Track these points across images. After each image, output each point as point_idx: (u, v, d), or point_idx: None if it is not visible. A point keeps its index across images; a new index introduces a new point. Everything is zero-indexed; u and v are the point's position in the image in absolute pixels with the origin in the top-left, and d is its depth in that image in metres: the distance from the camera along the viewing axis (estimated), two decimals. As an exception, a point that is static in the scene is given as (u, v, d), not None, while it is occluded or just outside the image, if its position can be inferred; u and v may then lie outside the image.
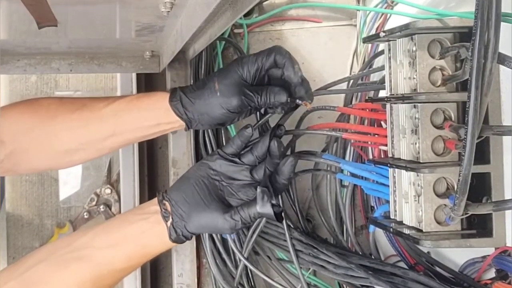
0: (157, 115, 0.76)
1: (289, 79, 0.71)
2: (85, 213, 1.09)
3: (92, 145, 0.78)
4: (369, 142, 0.78)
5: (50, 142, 0.77)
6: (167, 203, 0.72)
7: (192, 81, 0.95)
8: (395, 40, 0.66)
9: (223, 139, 0.98)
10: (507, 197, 0.60)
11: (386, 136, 0.70)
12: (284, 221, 0.78)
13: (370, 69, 0.87)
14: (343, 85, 0.90)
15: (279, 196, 0.88)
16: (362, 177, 0.77)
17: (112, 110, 0.77)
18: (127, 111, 0.77)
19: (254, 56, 0.73)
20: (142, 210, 0.74)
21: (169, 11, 0.56)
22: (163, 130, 0.79)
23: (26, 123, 0.77)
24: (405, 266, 0.77)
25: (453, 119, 0.62)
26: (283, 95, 0.70)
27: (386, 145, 0.71)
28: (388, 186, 0.70)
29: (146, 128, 0.77)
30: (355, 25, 1.02)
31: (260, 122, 0.79)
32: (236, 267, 0.95)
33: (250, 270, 0.97)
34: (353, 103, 0.92)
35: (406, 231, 0.64)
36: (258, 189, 0.69)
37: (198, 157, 0.97)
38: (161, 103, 0.76)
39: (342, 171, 0.81)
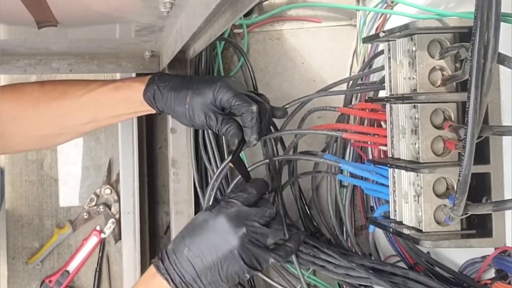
0: (134, 106, 0.81)
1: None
2: (84, 213, 1.09)
3: (74, 130, 0.84)
4: (369, 142, 0.78)
5: (34, 129, 0.82)
6: None
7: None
8: (395, 40, 0.66)
9: (223, 139, 0.98)
10: (506, 197, 0.60)
11: (385, 136, 0.70)
12: (284, 221, 0.78)
13: (370, 69, 0.87)
14: (343, 86, 0.90)
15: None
16: (361, 177, 0.77)
17: (91, 100, 0.80)
18: (105, 101, 0.81)
19: (233, 95, 0.73)
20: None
21: (169, 11, 0.56)
22: (141, 114, 0.85)
23: (10, 111, 0.80)
24: (405, 266, 0.77)
25: (452, 119, 0.62)
26: (235, 140, 0.73)
27: (385, 145, 0.71)
28: (388, 186, 0.70)
29: (125, 115, 0.83)
30: (355, 25, 1.02)
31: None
32: (236, 267, 0.95)
33: (250, 270, 0.97)
34: (353, 103, 0.92)
35: (406, 231, 0.64)
36: None
37: (197, 157, 0.97)
38: (137, 96, 0.80)
39: (341, 171, 0.81)
